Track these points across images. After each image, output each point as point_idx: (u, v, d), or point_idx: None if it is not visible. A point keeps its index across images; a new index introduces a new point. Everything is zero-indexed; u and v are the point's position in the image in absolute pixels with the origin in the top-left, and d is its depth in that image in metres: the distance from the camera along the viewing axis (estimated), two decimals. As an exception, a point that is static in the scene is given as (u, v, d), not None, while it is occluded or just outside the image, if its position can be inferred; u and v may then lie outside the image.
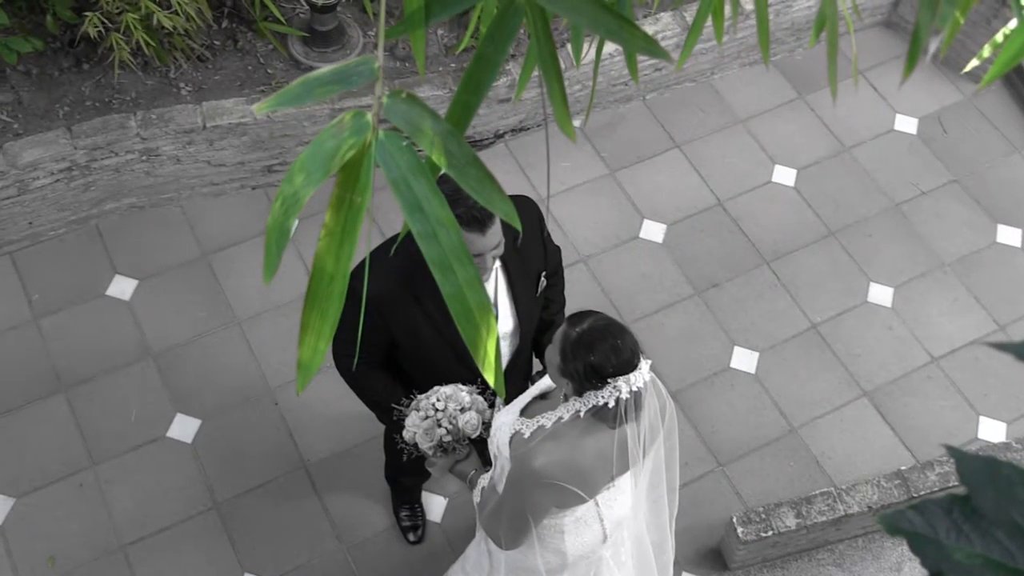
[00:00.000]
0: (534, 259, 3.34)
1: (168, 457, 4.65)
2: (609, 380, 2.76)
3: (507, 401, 3.30)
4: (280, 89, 1.12)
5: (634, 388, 2.78)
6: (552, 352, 2.83)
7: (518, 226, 1.13)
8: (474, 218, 2.90)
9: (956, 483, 4.44)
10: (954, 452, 1.17)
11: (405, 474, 4.32)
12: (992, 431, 4.92)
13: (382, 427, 4.06)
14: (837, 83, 5.51)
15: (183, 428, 4.72)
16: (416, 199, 1.08)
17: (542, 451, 2.85)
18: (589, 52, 5.23)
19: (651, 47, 1.17)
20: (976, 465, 1.15)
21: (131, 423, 4.72)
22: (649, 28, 5.44)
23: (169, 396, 4.78)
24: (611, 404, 2.79)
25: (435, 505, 4.62)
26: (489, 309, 1.12)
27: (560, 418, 2.88)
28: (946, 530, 1.13)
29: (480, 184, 1.09)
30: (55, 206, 5.00)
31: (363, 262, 3.27)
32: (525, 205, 3.34)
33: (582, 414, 2.84)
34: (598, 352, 2.74)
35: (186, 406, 4.77)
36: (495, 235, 2.98)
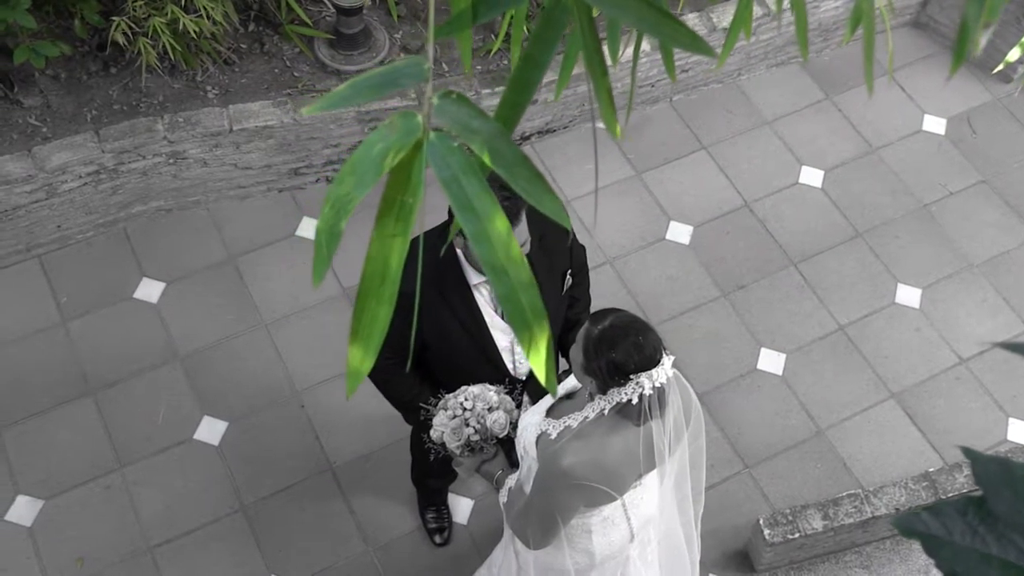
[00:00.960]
0: (559, 258, 3.35)
1: (195, 459, 4.68)
2: (632, 376, 2.76)
3: (534, 401, 3.30)
4: (326, 93, 1.13)
5: (657, 384, 2.78)
6: (576, 351, 2.84)
7: (568, 225, 1.13)
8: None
9: (985, 486, 4.40)
10: (970, 454, 1.17)
11: (431, 476, 4.33)
12: (1022, 433, 4.88)
13: (408, 429, 4.07)
14: (862, 83, 5.46)
15: (210, 430, 4.74)
16: (468, 199, 1.08)
17: (570, 451, 2.86)
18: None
19: (696, 44, 1.17)
20: (991, 467, 1.14)
21: (158, 425, 4.74)
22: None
23: (196, 398, 4.81)
24: (635, 401, 2.79)
25: (461, 507, 4.63)
26: (542, 311, 1.11)
27: (586, 417, 2.89)
28: (961, 532, 1.12)
29: (530, 184, 1.09)
30: (83, 209, 5.04)
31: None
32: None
33: (607, 412, 2.84)
34: (620, 349, 2.74)
35: (213, 408, 4.79)
36: (521, 234, 2.99)
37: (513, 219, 2.93)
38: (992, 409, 4.95)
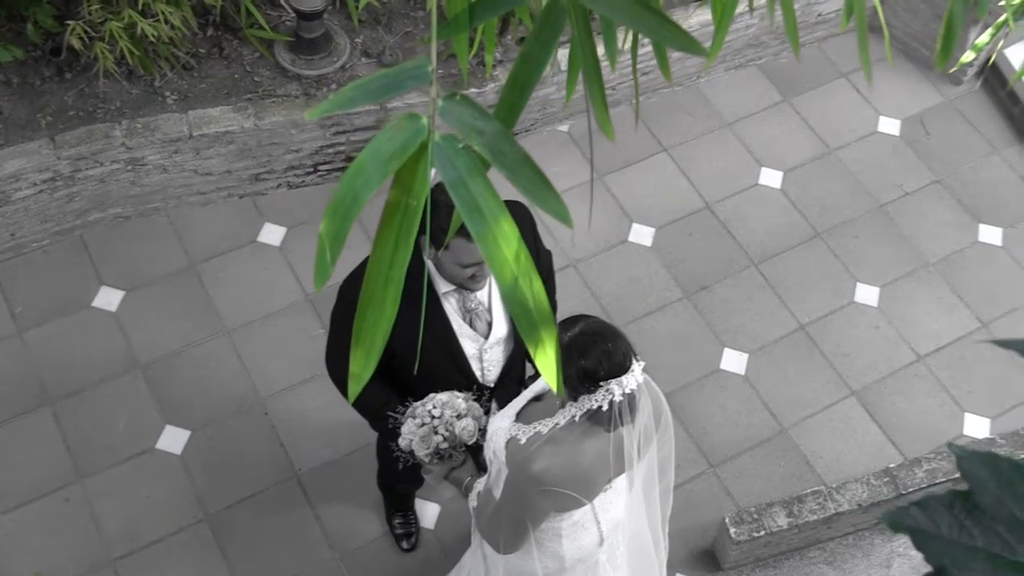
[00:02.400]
0: None
1: (157, 469, 4.63)
2: (602, 383, 2.77)
3: (501, 407, 3.30)
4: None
5: (627, 390, 2.79)
6: None
7: (570, 224, 1.13)
8: None
9: (943, 479, 4.47)
10: (955, 449, 1.19)
11: (398, 481, 4.31)
12: (977, 427, 4.96)
13: (374, 434, 4.05)
14: (819, 85, 5.50)
15: (172, 440, 4.70)
16: (474, 200, 1.08)
17: (541, 456, 2.86)
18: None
19: (691, 45, 1.18)
20: (977, 461, 1.16)
21: (119, 435, 4.69)
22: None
23: (158, 407, 4.76)
24: (605, 407, 2.79)
25: (429, 512, 4.62)
26: (549, 313, 1.11)
27: (556, 424, 2.89)
28: (948, 525, 1.14)
29: (532, 184, 1.09)
30: (38, 217, 4.97)
31: (357, 268, 3.27)
32: (519, 210, 3.35)
33: (577, 418, 2.85)
34: (590, 356, 2.75)
35: (175, 417, 4.75)
36: None
37: None
38: (949, 405, 5.02)
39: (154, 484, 4.59)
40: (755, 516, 4.37)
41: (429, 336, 3.22)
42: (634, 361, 2.81)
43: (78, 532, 4.47)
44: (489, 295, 3.30)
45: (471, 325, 3.30)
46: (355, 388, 1.15)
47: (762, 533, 4.33)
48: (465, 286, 3.17)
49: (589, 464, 2.91)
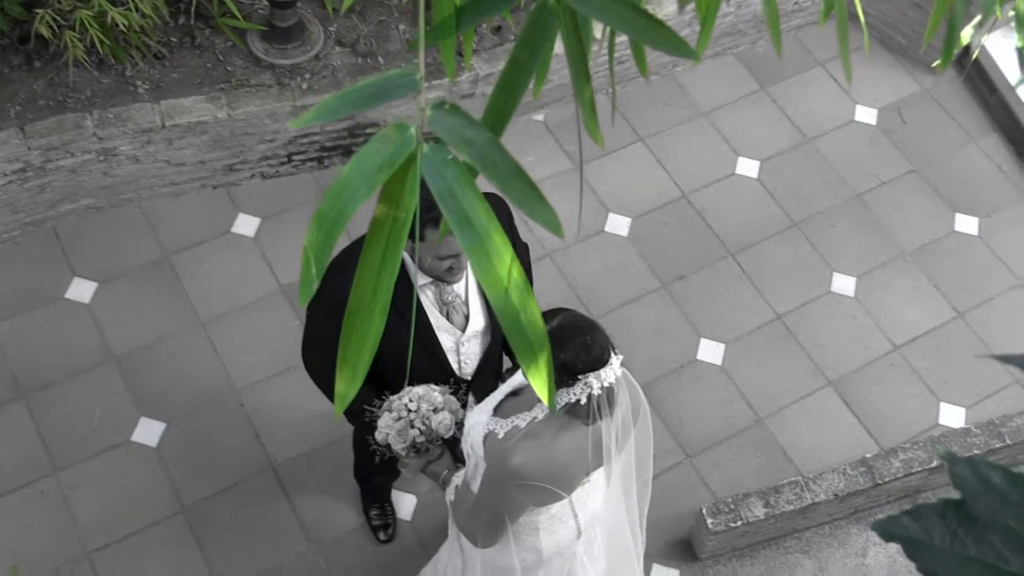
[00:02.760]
0: None
1: (133, 461, 4.59)
2: (580, 377, 2.76)
3: (478, 401, 3.29)
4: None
5: (605, 384, 2.78)
6: None
7: (561, 235, 1.11)
8: None
9: (919, 469, 4.49)
10: (947, 457, 1.18)
11: (375, 473, 4.30)
12: (952, 417, 4.98)
13: (351, 427, 4.04)
14: (796, 74, 5.48)
15: (148, 432, 4.66)
16: (463, 212, 1.06)
17: (520, 450, 2.85)
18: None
19: (680, 47, 1.17)
20: (969, 470, 1.15)
21: (94, 428, 4.65)
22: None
23: (133, 400, 4.72)
24: (583, 401, 2.79)
25: (405, 504, 4.60)
26: (543, 329, 1.09)
27: (535, 418, 2.88)
28: (940, 535, 1.13)
29: (523, 194, 1.07)
30: (9, 208, 4.91)
31: (332, 261, 3.24)
32: (496, 203, 3.33)
33: (555, 412, 2.84)
34: (568, 350, 2.74)
35: (150, 409, 4.71)
36: None
37: None
38: (925, 394, 5.04)
39: (130, 476, 4.56)
40: (732, 506, 4.38)
41: (405, 329, 3.21)
42: (613, 355, 2.80)
43: (53, 525, 4.44)
44: (466, 288, 3.29)
45: (448, 318, 3.29)
46: (340, 406, 1.12)
47: (739, 523, 4.34)
48: (442, 278, 3.16)
49: (567, 458, 2.90)
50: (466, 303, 3.30)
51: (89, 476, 4.55)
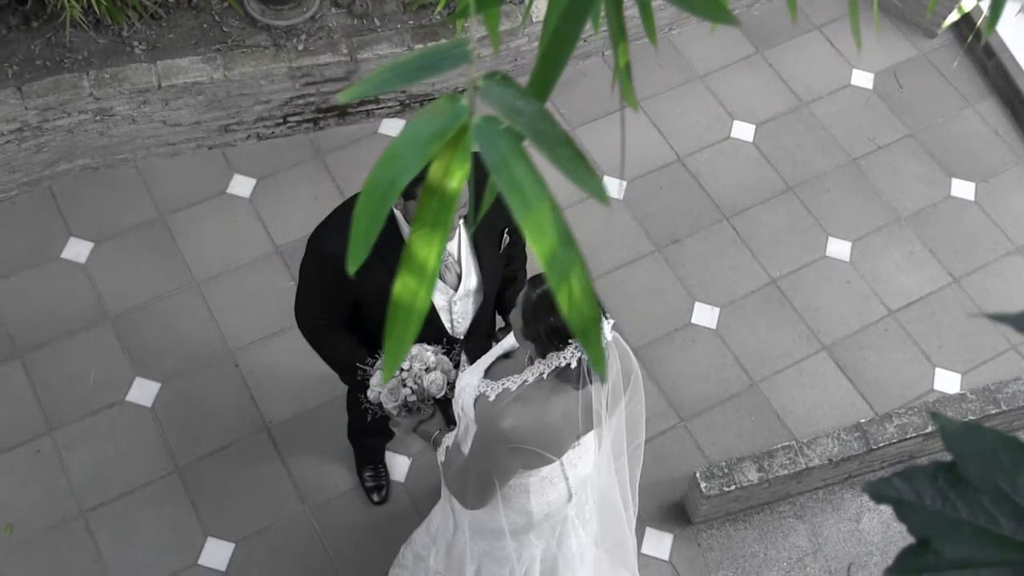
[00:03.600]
0: (497, 216, 3.34)
1: (127, 421, 4.61)
2: (571, 341, 2.77)
3: (471, 360, 3.29)
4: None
5: None
6: (515, 315, 2.84)
7: (607, 203, 1.11)
8: None
9: (914, 434, 4.51)
10: (939, 419, 1.18)
11: (368, 435, 4.31)
12: (947, 382, 4.99)
13: (344, 388, 4.04)
14: (792, 38, 5.44)
15: (142, 392, 4.67)
16: (516, 181, 1.05)
17: (510, 413, 2.86)
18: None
19: (722, 14, 1.16)
20: (961, 432, 1.16)
21: (89, 387, 4.66)
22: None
23: (128, 360, 4.73)
24: (573, 364, 2.79)
25: (399, 465, 4.62)
26: (593, 293, 1.09)
27: (525, 381, 2.88)
28: (932, 497, 1.14)
29: (571, 163, 1.07)
30: (6, 168, 4.90)
31: (326, 221, 3.24)
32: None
33: (546, 376, 2.84)
34: (559, 313, 2.74)
35: (145, 369, 4.72)
36: (462, 196, 2.97)
37: None
38: (920, 360, 5.06)
39: (124, 436, 4.57)
40: (725, 470, 4.39)
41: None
42: (603, 319, 2.81)
43: (49, 484, 4.45)
44: (459, 246, 3.28)
45: (440, 277, 3.28)
46: (390, 368, 1.12)
47: (732, 487, 4.36)
48: None
49: (557, 421, 2.91)
50: (459, 262, 3.30)
51: (84, 435, 4.56)
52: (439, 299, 3.32)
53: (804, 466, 4.41)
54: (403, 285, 1.07)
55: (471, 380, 3.03)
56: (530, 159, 1.05)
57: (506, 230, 3.38)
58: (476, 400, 2.98)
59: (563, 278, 1.06)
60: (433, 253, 1.08)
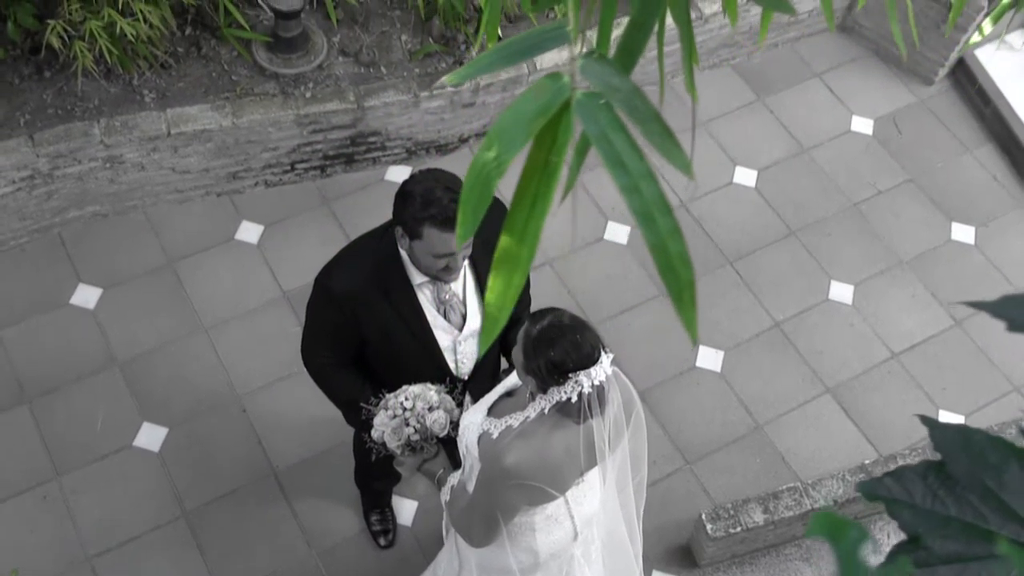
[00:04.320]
0: None
1: (135, 466, 4.63)
2: (570, 375, 2.79)
3: (475, 400, 3.32)
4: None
5: (596, 382, 2.81)
6: (516, 351, 2.87)
7: (691, 176, 1.15)
8: (448, 218, 2.93)
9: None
10: (928, 422, 1.22)
11: (375, 478, 4.33)
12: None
13: (351, 432, 4.06)
14: (793, 85, 5.50)
15: (150, 437, 4.70)
16: (617, 154, 1.10)
17: (512, 449, 2.88)
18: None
19: (782, 4, 1.22)
20: (949, 434, 1.20)
21: (97, 433, 4.69)
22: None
23: (135, 405, 4.76)
24: (574, 399, 2.81)
25: (405, 509, 4.63)
26: (689, 260, 1.14)
27: (527, 417, 2.91)
28: (922, 495, 1.17)
29: (661, 138, 1.12)
30: (17, 215, 4.97)
31: (333, 260, 3.29)
32: (492, 205, 3.37)
33: (547, 411, 2.87)
34: (558, 348, 2.77)
35: (153, 414, 4.75)
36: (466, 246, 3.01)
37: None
38: (923, 401, 5.07)
39: (131, 481, 4.59)
40: (731, 512, 4.40)
41: (402, 326, 3.24)
42: (603, 353, 2.84)
43: (55, 529, 4.47)
44: (464, 287, 3.32)
45: (445, 317, 3.32)
46: (488, 333, 1.17)
47: (738, 529, 4.36)
48: (439, 277, 3.18)
49: (559, 457, 2.93)
50: (464, 303, 3.33)
51: (91, 481, 4.58)
52: (443, 339, 3.35)
53: (809, 507, 4.41)
54: (505, 248, 1.12)
55: (475, 418, 3.06)
56: (627, 131, 1.10)
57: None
58: (480, 438, 3.00)
59: (659, 241, 1.10)
60: (534, 220, 1.12)
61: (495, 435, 2.93)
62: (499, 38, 5.35)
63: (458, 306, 3.31)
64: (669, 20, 1.36)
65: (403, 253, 3.17)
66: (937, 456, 1.22)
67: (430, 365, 3.35)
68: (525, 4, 1.22)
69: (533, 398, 2.91)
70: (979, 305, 1.15)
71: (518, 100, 1.10)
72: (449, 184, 2.98)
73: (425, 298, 3.27)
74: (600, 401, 2.86)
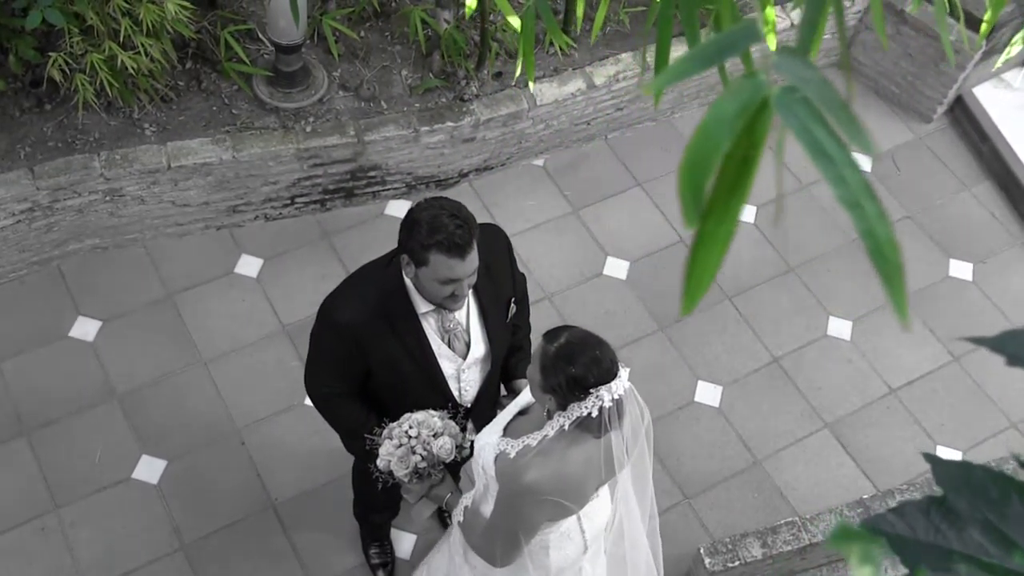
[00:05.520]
0: (504, 286, 3.40)
1: (134, 499, 4.62)
2: (592, 391, 2.80)
3: (477, 427, 3.34)
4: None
5: (616, 396, 2.83)
6: (532, 370, 2.88)
7: (871, 150, 1.18)
8: (455, 244, 2.95)
9: (918, 512, 4.50)
10: (930, 458, 1.23)
11: (374, 511, 4.32)
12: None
13: (350, 464, 4.07)
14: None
15: (149, 469, 4.69)
16: (820, 145, 1.13)
17: (532, 467, 2.89)
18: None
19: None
20: (951, 469, 1.20)
21: (95, 465, 4.68)
22: (611, 68, 5.54)
23: (134, 437, 4.76)
24: (595, 414, 2.83)
25: (404, 542, 4.62)
26: (896, 244, 1.16)
27: (546, 436, 2.92)
28: (924, 530, 1.18)
29: (848, 124, 1.15)
30: (16, 247, 4.98)
31: (337, 290, 3.30)
32: (495, 234, 3.40)
33: (567, 427, 2.88)
34: (579, 364, 2.79)
35: (152, 447, 4.74)
36: (473, 261, 3.03)
37: (465, 247, 2.97)
38: (921, 437, 5.08)
39: (130, 514, 4.57)
40: (729, 547, 4.39)
41: (407, 356, 3.25)
42: (621, 367, 2.86)
43: (54, 562, 4.45)
44: (467, 315, 3.33)
45: (449, 345, 3.33)
46: (689, 306, 1.19)
47: (736, 564, 4.35)
48: (445, 306, 3.18)
49: (580, 471, 2.94)
50: (467, 331, 3.34)
51: (90, 513, 4.57)
52: (447, 367, 3.37)
53: (808, 542, 4.40)
54: (705, 230, 1.15)
55: (490, 439, 3.07)
56: (827, 122, 1.13)
57: (512, 299, 3.44)
58: (496, 458, 3.01)
59: (868, 227, 1.12)
60: (732, 207, 1.15)
61: (512, 455, 2.94)
62: (498, 73, 5.38)
63: (462, 335, 3.33)
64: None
65: (408, 282, 3.19)
66: (939, 491, 1.23)
67: (434, 393, 3.36)
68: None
69: (551, 416, 2.92)
70: (979, 340, 1.16)
71: (718, 101, 1.13)
72: (454, 211, 3.00)
73: (430, 327, 3.28)
74: (619, 414, 2.88)
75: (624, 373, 2.86)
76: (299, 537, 4.57)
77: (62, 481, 4.62)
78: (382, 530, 4.51)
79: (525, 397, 3.15)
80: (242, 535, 4.56)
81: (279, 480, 4.69)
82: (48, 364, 4.92)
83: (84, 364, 4.93)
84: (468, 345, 3.34)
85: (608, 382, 2.81)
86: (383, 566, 4.51)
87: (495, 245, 3.34)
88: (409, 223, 3.03)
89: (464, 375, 3.38)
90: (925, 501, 1.18)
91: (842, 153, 1.11)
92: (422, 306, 3.22)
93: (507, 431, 3.07)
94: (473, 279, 3.10)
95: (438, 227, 2.95)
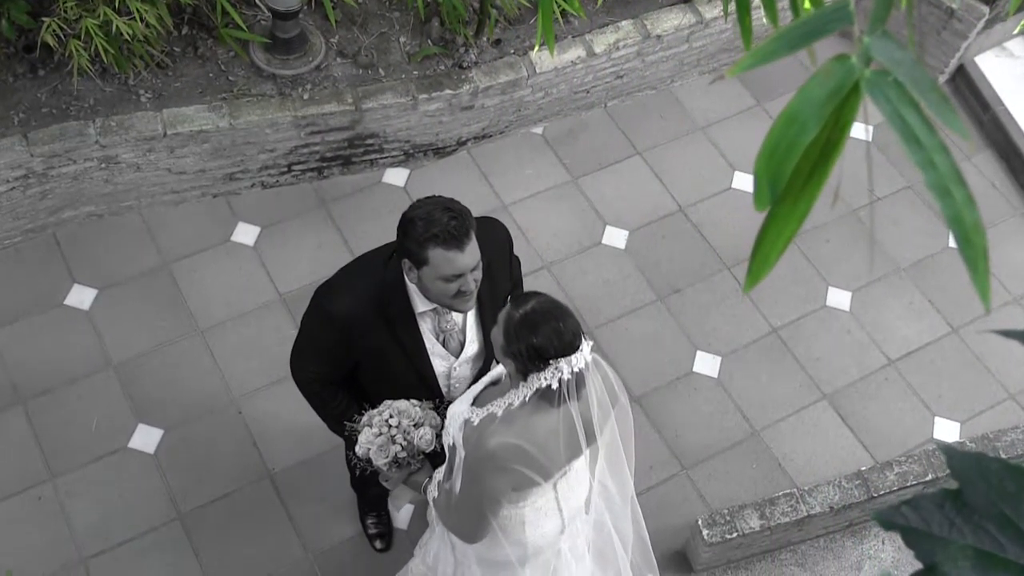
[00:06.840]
0: (502, 282, 3.37)
1: (130, 468, 4.61)
2: (551, 361, 2.79)
3: None
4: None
5: (575, 369, 2.81)
6: (496, 332, 2.85)
7: (967, 136, 1.16)
8: (451, 235, 2.90)
9: (914, 482, 4.51)
10: (945, 449, 1.20)
11: (371, 483, 4.31)
12: (947, 431, 5.00)
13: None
14: (792, 90, 5.55)
15: (145, 439, 4.68)
16: (911, 129, 1.11)
17: (495, 434, 2.88)
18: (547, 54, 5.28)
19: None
20: (967, 461, 1.18)
21: (92, 434, 4.66)
22: (610, 36, 5.48)
23: (131, 406, 4.74)
24: (554, 386, 2.81)
25: (402, 512, 4.61)
26: (983, 229, 1.14)
27: (510, 404, 2.90)
28: (939, 524, 1.16)
29: (939, 105, 1.13)
30: (10, 215, 4.94)
31: (332, 280, 3.26)
32: (494, 228, 3.35)
33: (528, 398, 2.86)
34: (540, 334, 2.76)
35: (148, 416, 4.73)
36: (473, 253, 2.97)
37: (463, 238, 2.92)
38: (919, 408, 5.07)
39: (126, 483, 4.57)
40: (727, 518, 4.39)
41: (399, 353, 3.22)
42: (584, 341, 2.83)
43: (50, 531, 4.44)
44: (464, 315, 3.29)
45: (444, 344, 3.30)
46: (751, 282, 1.18)
47: (734, 535, 4.36)
48: (454, 307, 3.12)
49: (541, 440, 2.92)
50: (463, 329, 3.31)
51: (86, 482, 4.56)
52: (440, 366, 3.33)
53: (805, 513, 4.41)
54: (778, 215, 1.13)
55: (459, 408, 3.05)
56: (919, 106, 1.11)
57: (508, 298, 3.40)
58: (462, 426, 3.00)
59: (956, 212, 1.11)
60: (812, 186, 1.15)
61: (476, 422, 2.93)
62: (497, 40, 5.33)
63: (457, 334, 3.30)
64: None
65: (408, 281, 3.13)
66: (952, 483, 1.21)
67: (422, 389, 3.33)
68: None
69: (515, 384, 2.91)
70: (1009, 334, 1.14)
71: (807, 83, 1.11)
72: (448, 205, 2.95)
73: (426, 327, 3.25)
74: (578, 386, 2.86)
75: (587, 347, 2.84)
76: (296, 507, 4.57)
77: (58, 450, 4.61)
78: (380, 500, 4.50)
79: (499, 370, 3.13)
80: (239, 505, 4.55)
81: (276, 449, 4.68)
82: (43, 333, 4.89)
83: (80, 333, 4.91)
84: (462, 344, 3.32)
85: (569, 355, 2.79)
86: (380, 536, 4.51)
87: (495, 240, 3.29)
88: (404, 224, 2.98)
89: (455, 372, 3.36)
90: (940, 495, 1.16)
91: (932, 138, 1.09)
92: (420, 305, 3.18)
93: (476, 401, 3.06)
94: (479, 274, 3.03)
95: (433, 221, 2.91)
